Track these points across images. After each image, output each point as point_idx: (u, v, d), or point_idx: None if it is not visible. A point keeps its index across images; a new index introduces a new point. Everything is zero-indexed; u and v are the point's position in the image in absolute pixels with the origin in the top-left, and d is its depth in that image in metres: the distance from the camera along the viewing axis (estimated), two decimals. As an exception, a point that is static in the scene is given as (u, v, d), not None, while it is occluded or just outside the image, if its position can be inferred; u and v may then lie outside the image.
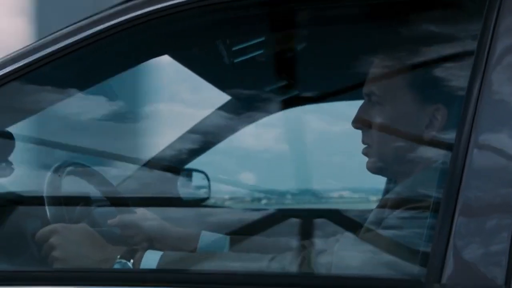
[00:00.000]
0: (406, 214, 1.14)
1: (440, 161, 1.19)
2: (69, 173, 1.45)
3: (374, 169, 1.28)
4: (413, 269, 1.02)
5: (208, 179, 2.34)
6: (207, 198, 2.38)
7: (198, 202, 2.33)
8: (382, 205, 1.26)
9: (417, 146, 1.23)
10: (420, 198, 1.17)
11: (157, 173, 2.18)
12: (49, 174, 1.42)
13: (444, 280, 0.91)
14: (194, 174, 2.34)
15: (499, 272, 0.90)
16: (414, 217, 1.13)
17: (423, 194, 1.18)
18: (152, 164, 2.16)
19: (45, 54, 1.14)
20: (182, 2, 1.14)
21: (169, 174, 2.20)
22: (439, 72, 1.24)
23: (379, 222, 1.18)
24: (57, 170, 1.44)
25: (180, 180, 2.27)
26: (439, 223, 0.95)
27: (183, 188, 2.27)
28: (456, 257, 0.92)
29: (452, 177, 0.96)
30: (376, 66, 1.31)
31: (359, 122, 1.29)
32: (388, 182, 1.39)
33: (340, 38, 1.46)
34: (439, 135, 1.20)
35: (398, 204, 1.18)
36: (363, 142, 1.29)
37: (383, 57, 1.31)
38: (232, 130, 2.16)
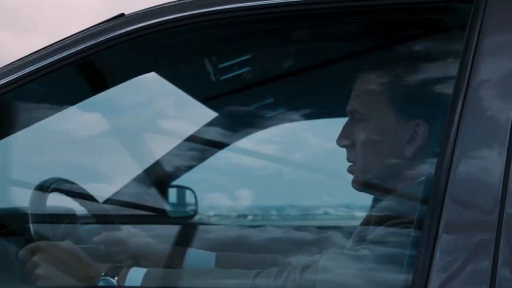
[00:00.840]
0: (390, 230, 1.14)
1: (423, 177, 1.20)
2: (53, 190, 1.44)
3: (359, 186, 1.29)
4: (397, 285, 1.03)
5: (195, 196, 2.34)
6: (194, 215, 2.38)
7: (184, 219, 2.33)
8: (366, 221, 1.26)
9: (400, 162, 1.24)
10: (404, 215, 1.17)
11: (144, 189, 2.17)
12: (33, 191, 1.41)
13: (427, 296, 0.92)
14: (181, 190, 2.34)
15: (482, 288, 0.91)
16: (398, 233, 1.13)
17: (407, 210, 1.19)
18: (139, 180, 2.15)
19: (26, 73, 1.14)
20: (170, 19, 1.15)
21: (156, 191, 2.19)
22: (419, 88, 1.26)
23: (363, 239, 1.19)
24: (41, 187, 1.43)
25: (167, 196, 2.26)
26: (423, 240, 0.95)
27: (170, 204, 2.27)
28: (439, 274, 0.93)
29: (436, 193, 0.96)
30: (359, 84, 1.32)
31: (343, 140, 1.30)
32: (373, 199, 1.39)
33: (324, 56, 1.47)
34: (420, 151, 1.21)
35: (382, 220, 1.18)
36: (348, 160, 1.30)
37: (366, 75, 1.32)
38: (219, 146, 2.16)
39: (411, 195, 1.18)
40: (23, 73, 1.14)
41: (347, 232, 1.33)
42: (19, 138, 1.31)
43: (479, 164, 0.98)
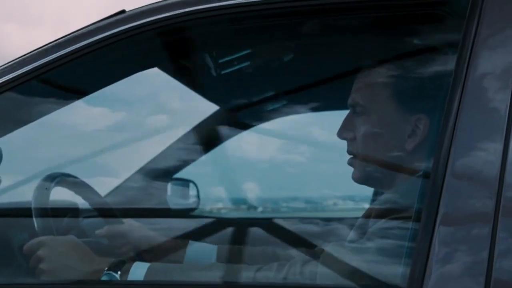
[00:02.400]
0: (390, 223, 1.15)
1: (423, 170, 1.21)
2: (57, 184, 1.46)
3: (359, 179, 1.30)
4: (396, 278, 1.04)
5: (197, 188, 2.35)
6: (196, 208, 2.38)
7: (186, 212, 2.34)
8: (366, 214, 1.27)
9: (400, 155, 1.25)
10: (404, 208, 1.18)
11: (146, 183, 2.18)
12: (36, 185, 1.42)
13: (425, 289, 0.93)
14: (183, 183, 2.34)
15: (479, 281, 0.92)
16: (397, 227, 1.14)
17: (407, 203, 1.20)
18: (141, 174, 2.16)
19: (31, 69, 1.15)
20: (170, 16, 1.16)
21: (157, 184, 2.20)
22: (421, 82, 1.26)
23: (363, 232, 1.20)
24: (45, 182, 1.44)
25: (169, 189, 2.27)
26: (420, 233, 0.96)
27: (171, 197, 2.28)
28: (437, 266, 0.94)
29: (433, 186, 0.97)
30: (361, 77, 1.33)
31: (344, 132, 1.31)
32: (374, 192, 1.40)
33: (325, 50, 1.48)
34: (421, 145, 1.22)
35: (382, 213, 1.19)
36: (349, 153, 1.31)
37: (367, 68, 1.33)
38: (221, 139, 2.17)
39: (411, 189, 1.19)
40: (27, 69, 1.15)
41: (349, 224, 1.34)
42: (23, 133, 1.32)
43: (477, 157, 0.99)
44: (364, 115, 1.28)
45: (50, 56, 1.15)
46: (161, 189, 2.21)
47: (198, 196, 2.36)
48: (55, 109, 1.31)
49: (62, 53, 1.15)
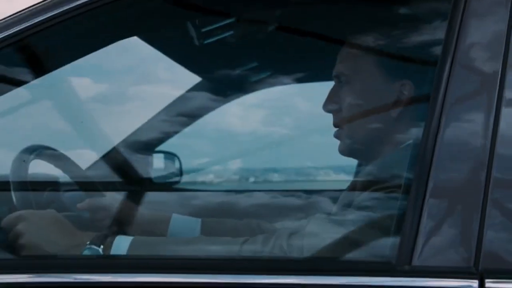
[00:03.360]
0: (376, 195, 1.14)
1: (410, 140, 1.19)
2: (35, 157, 1.42)
3: (346, 152, 1.28)
4: (384, 251, 1.03)
5: (180, 161, 2.32)
6: (179, 181, 2.36)
7: (169, 185, 2.31)
8: (352, 186, 1.26)
9: (386, 124, 1.23)
10: (390, 179, 1.17)
11: (128, 155, 2.15)
12: (14, 158, 1.39)
13: (414, 261, 0.92)
14: (166, 156, 2.32)
15: (469, 253, 0.91)
16: (384, 198, 1.13)
17: (393, 175, 1.18)
18: (122, 146, 2.13)
19: (8, 35, 1.10)
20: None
21: (139, 156, 2.17)
22: (404, 49, 1.24)
23: (349, 204, 1.18)
24: (23, 154, 1.40)
25: (151, 162, 2.24)
26: (409, 205, 0.95)
27: (154, 170, 2.25)
28: (426, 238, 0.93)
29: (423, 157, 0.96)
30: (345, 47, 1.30)
31: (330, 104, 1.29)
32: (359, 164, 1.39)
33: (310, 19, 1.45)
34: (407, 112, 1.20)
35: (368, 185, 1.18)
36: (334, 125, 1.29)
37: (352, 38, 1.30)
38: (203, 111, 2.14)
39: (398, 159, 1.18)
40: (3, 35, 1.10)
41: (333, 197, 1.32)
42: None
43: (467, 127, 0.97)
44: (348, 85, 1.26)
45: (27, 23, 1.10)
46: (144, 162, 2.18)
47: (180, 169, 2.34)
48: (33, 79, 1.27)
49: (40, 19, 1.10)
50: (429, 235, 0.93)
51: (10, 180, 1.37)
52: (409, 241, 0.93)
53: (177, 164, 2.32)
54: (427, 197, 0.94)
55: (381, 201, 1.13)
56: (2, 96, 1.23)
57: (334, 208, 1.26)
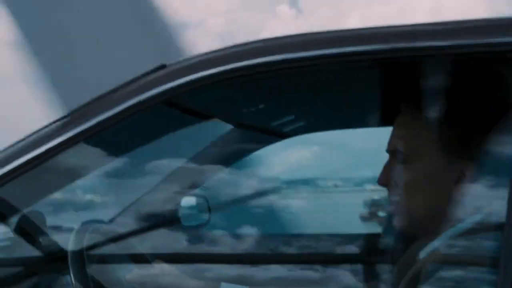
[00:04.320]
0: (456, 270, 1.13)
1: (475, 217, 1.18)
2: (90, 232, 1.43)
3: (403, 227, 1.28)
4: None
5: (209, 206, 2.30)
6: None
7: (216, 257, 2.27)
8: (424, 260, 1.24)
9: (447, 204, 1.23)
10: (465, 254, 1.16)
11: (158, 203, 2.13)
12: (73, 233, 1.40)
13: None
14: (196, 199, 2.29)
15: None
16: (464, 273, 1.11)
17: (467, 250, 1.17)
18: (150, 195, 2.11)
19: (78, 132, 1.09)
20: (213, 74, 1.10)
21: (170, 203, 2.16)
22: (466, 128, 1.23)
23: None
24: (80, 230, 1.41)
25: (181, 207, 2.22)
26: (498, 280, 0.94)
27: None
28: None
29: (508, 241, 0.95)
30: (400, 123, 1.29)
31: (385, 179, 1.28)
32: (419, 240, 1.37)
33: (364, 92, 1.43)
34: (468, 192, 1.20)
35: (443, 260, 1.16)
36: (389, 200, 1.28)
37: (408, 112, 1.29)
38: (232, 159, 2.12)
39: (465, 236, 1.17)
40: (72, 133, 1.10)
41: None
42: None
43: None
44: (406, 163, 1.25)
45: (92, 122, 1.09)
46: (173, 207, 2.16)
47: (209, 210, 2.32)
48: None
49: (104, 117, 1.09)
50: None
51: (69, 252, 1.37)
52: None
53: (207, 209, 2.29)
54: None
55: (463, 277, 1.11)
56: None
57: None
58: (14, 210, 1.29)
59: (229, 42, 1.15)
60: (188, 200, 2.29)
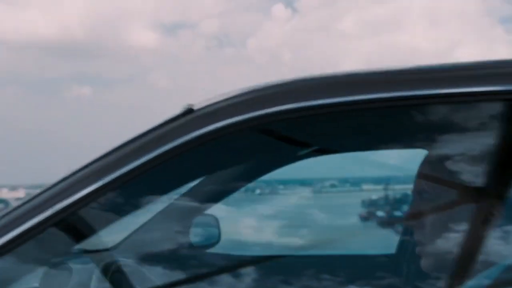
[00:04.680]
0: None
1: (504, 260, 1.17)
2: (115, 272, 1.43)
3: (431, 268, 1.27)
4: None
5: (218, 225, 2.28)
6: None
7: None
8: None
9: (476, 244, 1.21)
10: None
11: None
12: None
13: None
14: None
15: None
16: None
17: None
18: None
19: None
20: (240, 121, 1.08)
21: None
22: (492, 169, 1.22)
23: None
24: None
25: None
26: None
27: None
28: None
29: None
30: (426, 162, 1.28)
31: (411, 220, 1.27)
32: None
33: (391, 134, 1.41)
34: (497, 231, 1.19)
35: None
36: (416, 241, 1.27)
37: (433, 154, 1.29)
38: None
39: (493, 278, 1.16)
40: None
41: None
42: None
43: None
44: (432, 202, 1.24)
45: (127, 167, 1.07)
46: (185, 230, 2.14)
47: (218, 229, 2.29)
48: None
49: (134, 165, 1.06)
50: None
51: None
52: None
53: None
54: None
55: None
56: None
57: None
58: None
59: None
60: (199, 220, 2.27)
